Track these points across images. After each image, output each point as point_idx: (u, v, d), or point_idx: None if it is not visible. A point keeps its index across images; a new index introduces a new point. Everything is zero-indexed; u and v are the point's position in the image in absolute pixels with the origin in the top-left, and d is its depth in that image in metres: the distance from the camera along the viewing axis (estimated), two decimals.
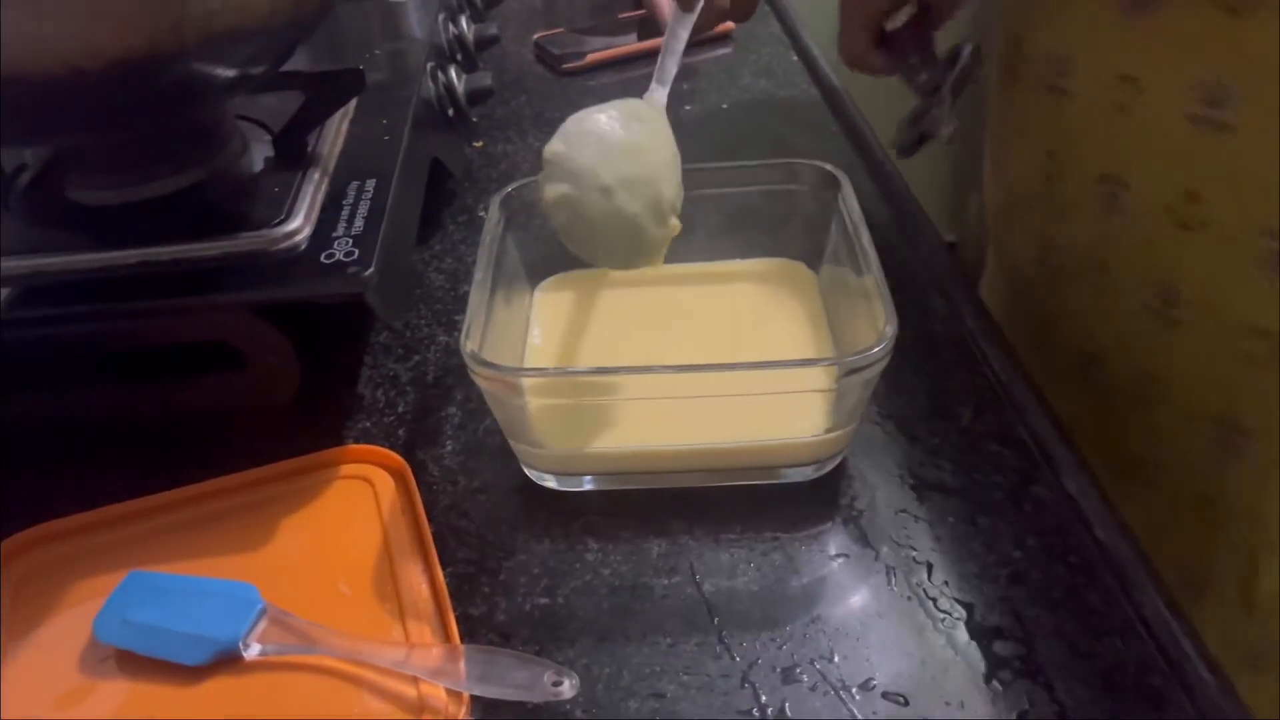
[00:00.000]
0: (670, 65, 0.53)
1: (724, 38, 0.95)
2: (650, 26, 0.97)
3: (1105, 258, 0.63)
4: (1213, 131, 0.54)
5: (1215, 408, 0.61)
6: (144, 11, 0.42)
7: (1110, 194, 0.61)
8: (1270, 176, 0.53)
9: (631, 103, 0.51)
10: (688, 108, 0.85)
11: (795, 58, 0.92)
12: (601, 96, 0.88)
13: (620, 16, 1.01)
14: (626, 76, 0.92)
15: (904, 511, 0.48)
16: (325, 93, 0.57)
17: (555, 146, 0.49)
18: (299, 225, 0.51)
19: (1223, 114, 0.53)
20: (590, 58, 0.92)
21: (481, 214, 0.72)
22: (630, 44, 0.94)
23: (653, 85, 0.53)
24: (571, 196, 0.47)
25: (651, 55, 0.92)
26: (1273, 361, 0.57)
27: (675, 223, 0.49)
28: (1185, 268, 0.59)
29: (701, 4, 0.55)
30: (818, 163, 0.57)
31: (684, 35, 0.53)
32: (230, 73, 0.49)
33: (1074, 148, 0.64)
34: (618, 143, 0.48)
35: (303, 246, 0.50)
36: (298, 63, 0.58)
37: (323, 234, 0.51)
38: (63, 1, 0.41)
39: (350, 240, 0.50)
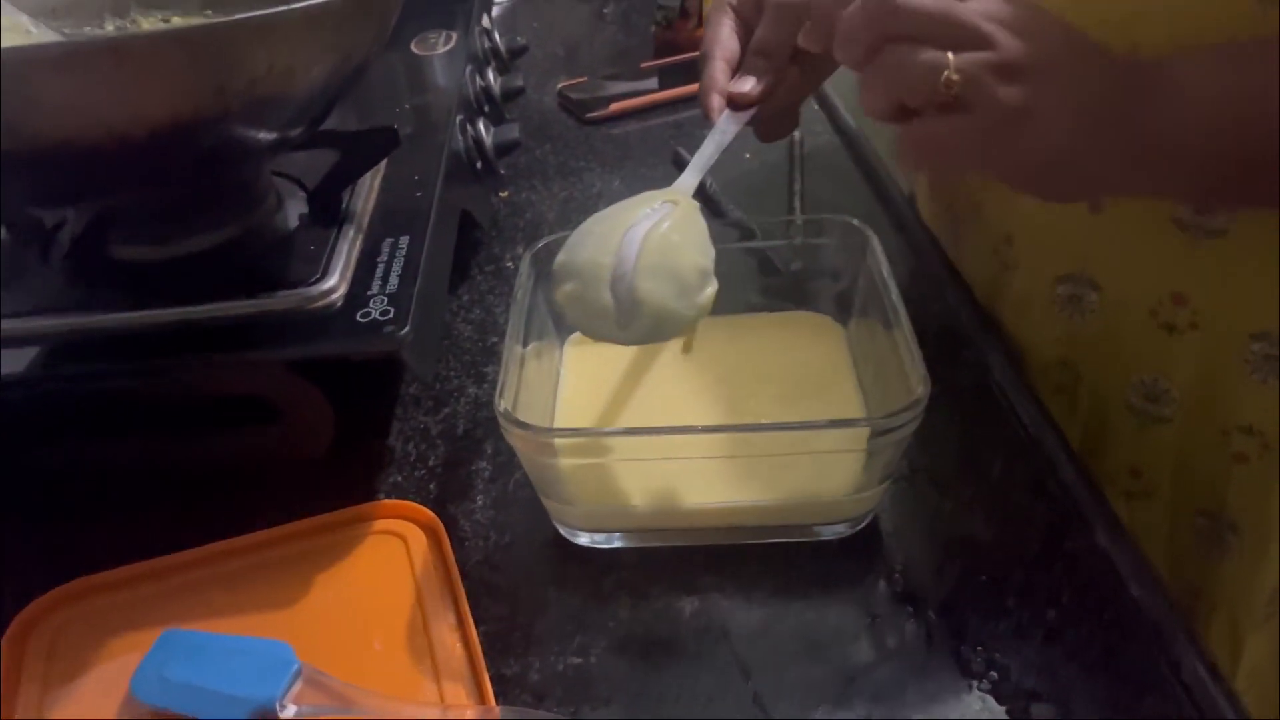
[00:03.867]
0: (709, 153, 0.52)
1: None
2: (672, 75, 0.98)
3: (1067, 355, 0.64)
4: (1203, 236, 0.54)
5: (1203, 503, 0.62)
6: (188, 80, 0.43)
7: (1073, 295, 0.61)
8: (1262, 279, 0.53)
9: (641, 195, 0.51)
10: None
11: (816, 105, 0.93)
12: (625, 145, 0.90)
13: (642, 65, 1.02)
14: (649, 124, 0.93)
15: (938, 568, 0.48)
16: (360, 151, 0.59)
17: (559, 258, 0.49)
18: (335, 284, 0.52)
19: (1213, 220, 0.53)
20: (614, 107, 0.93)
21: (508, 264, 0.73)
22: (652, 92, 0.95)
23: (685, 171, 0.52)
24: (576, 291, 0.48)
25: (673, 103, 0.94)
26: (1262, 459, 0.58)
27: (709, 292, 0.48)
28: (1171, 367, 0.59)
29: (752, 114, 0.54)
30: (845, 218, 0.58)
31: (733, 130, 0.53)
32: (270, 135, 0.50)
33: (1035, 238, 0.63)
34: (618, 231, 0.48)
35: (338, 305, 0.51)
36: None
37: (358, 292, 0.52)
38: (109, 72, 0.42)
39: (385, 299, 0.51)
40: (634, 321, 0.47)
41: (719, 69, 0.54)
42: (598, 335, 0.49)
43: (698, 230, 0.49)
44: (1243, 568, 0.61)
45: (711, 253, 0.49)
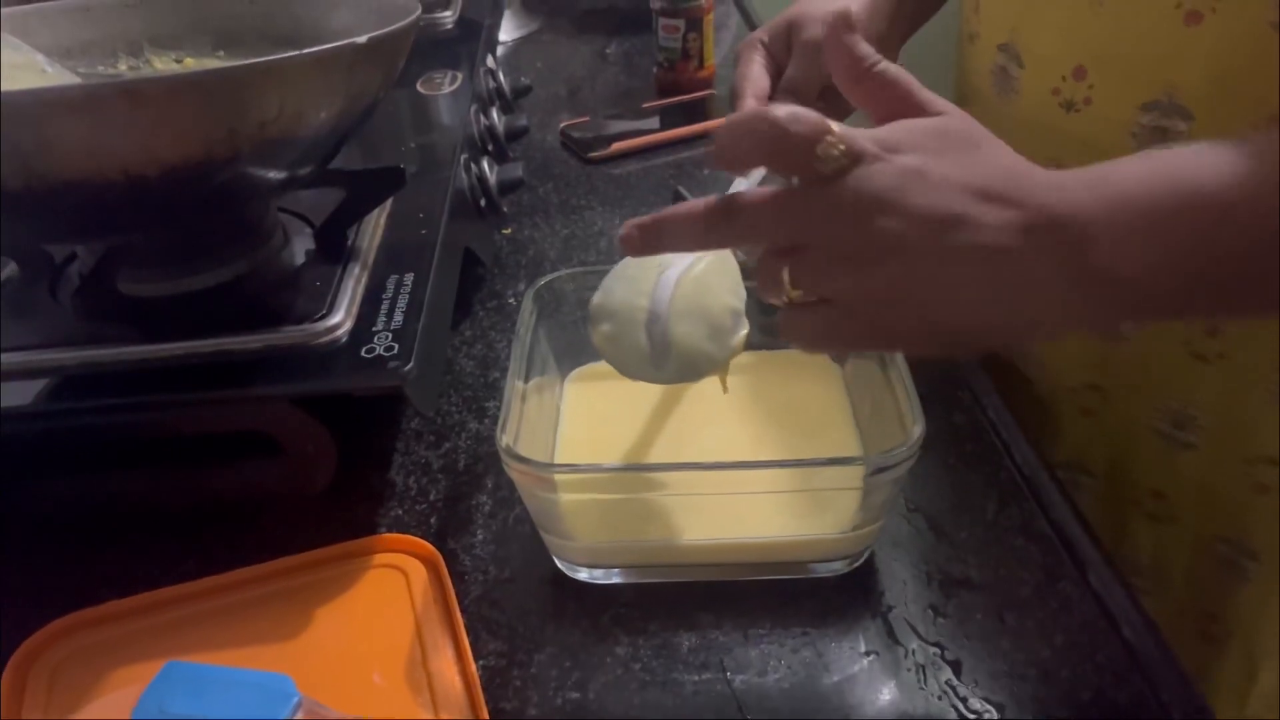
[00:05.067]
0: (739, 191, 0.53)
1: None
2: (673, 115, 1.00)
3: (1098, 380, 0.64)
4: None
5: (1225, 530, 0.62)
6: (201, 123, 0.44)
7: None
8: None
9: None
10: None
11: None
12: (626, 184, 0.91)
13: (644, 105, 1.04)
14: (650, 164, 0.94)
15: (932, 608, 0.48)
16: (366, 189, 0.60)
17: (594, 299, 0.50)
18: (340, 320, 0.53)
19: None
20: (615, 146, 0.94)
21: (510, 300, 0.74)
22: (654, 132, 0.97)
23: None
24: (612, 332, 0.49)
25: (674, 143, 0.96)
26: None
27: (741, 334, 0.49)
28: (1198, 396, 0.60)
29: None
30: None
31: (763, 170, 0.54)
32: (279, 174, 0.52)
33: None
34: (651, 274, 0.49)
35: (343, 340, 0.52)
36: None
37: (363, 328, 0.53)
38: (125, 114, 0.43)
39: (390, 335, 0.52)
40: (667, 362, 0.48)
41: (750, 106, 0.55)
42: (632, 375, 0.50)
43: (730, 272, 0.50)
44: (1261, 595, 0.62)
45: (744, 294, 0.49)
